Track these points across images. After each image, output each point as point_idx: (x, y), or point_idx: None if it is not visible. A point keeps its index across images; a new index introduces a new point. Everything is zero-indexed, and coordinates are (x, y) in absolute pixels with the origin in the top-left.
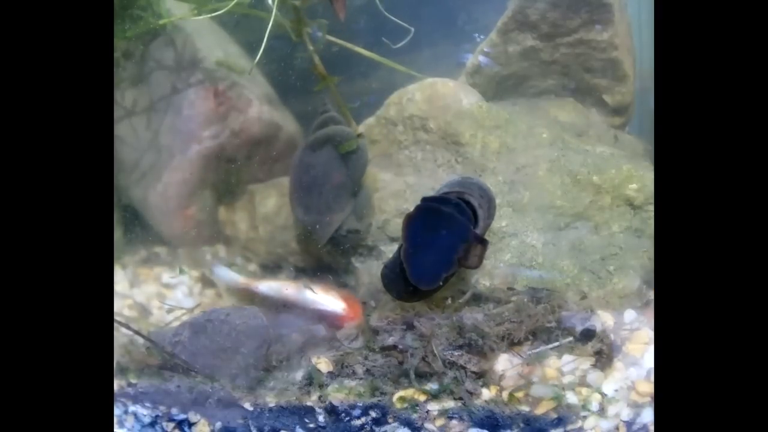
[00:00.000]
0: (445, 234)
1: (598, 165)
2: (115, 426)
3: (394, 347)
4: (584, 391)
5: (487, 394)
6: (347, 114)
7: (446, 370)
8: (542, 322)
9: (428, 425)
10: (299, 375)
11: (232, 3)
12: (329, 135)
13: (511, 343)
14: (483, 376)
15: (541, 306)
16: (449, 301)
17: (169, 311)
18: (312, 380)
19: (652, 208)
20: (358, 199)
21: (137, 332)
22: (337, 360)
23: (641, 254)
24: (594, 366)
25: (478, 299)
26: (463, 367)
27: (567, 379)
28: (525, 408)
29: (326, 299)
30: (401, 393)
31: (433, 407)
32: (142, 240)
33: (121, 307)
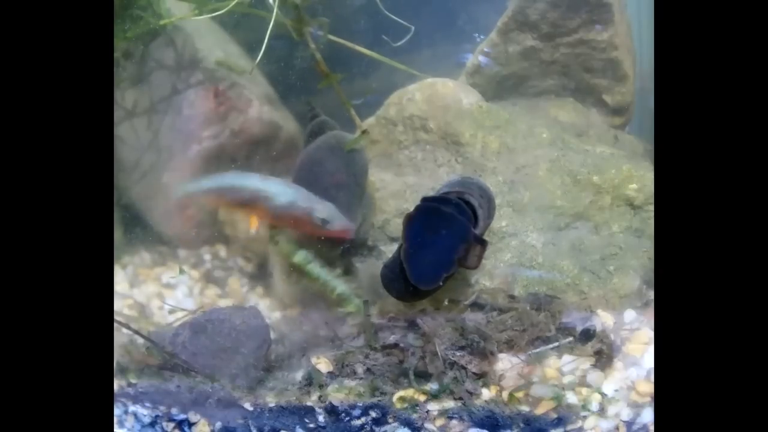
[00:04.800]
0: (445, 234)
1: (598, 165)
2: (115, 426)
3: (396, 345)
4: (584, 391)
5: (487, 394)
6: (351, 111)
7: (446, 370)
8: (544, 332)
9: (428, 425)
10: (299, 375)
11: (233, 3)
12: (332, 143)
13: (512, 348)
14: (483, 377)
15: (542, 315)
16: (446, 303)
17: (171, 312)
18: (312, 380)
19: (652, 208)
20: (364, 203)
21: (137, 332)
22: (337, 360)
23: (641, 254)
24: (594, 366)
25: (479, 307)
26: (464, 368)
27: (567, 379)
28: (525, 408)
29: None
30: (401, 393)
31: (433, 407)
32: (142, 240)
33: (121, 307)
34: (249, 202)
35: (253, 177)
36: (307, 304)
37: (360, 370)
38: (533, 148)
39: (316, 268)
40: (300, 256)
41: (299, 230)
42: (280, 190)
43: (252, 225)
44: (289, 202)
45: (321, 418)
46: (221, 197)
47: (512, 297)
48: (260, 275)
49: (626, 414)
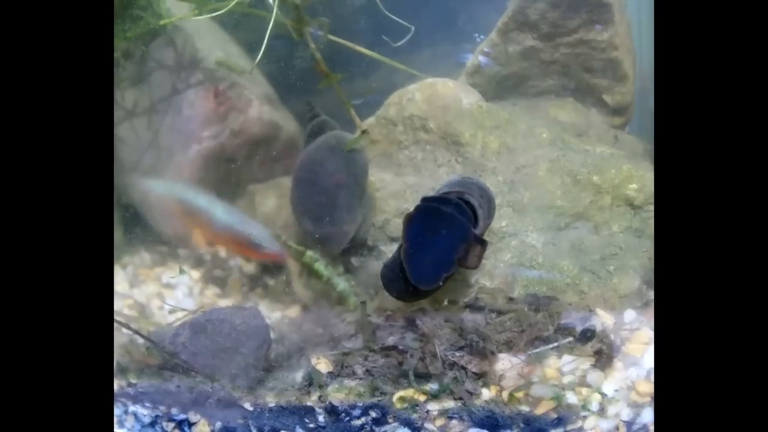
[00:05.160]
0: (445, 234)
1: (598, 165)
2: (115, 426)
3: (394, 348)
4: (584, 391)
5: (487, 394)
6: (351, 111)
7: (445, 370)
8: (542, 332)
9: (428, 425)
10: (299, 375)
11: (233, 3)
12: (332, 143)
13: (511, 348)
14: (483, 377)
15: (540, 314)
16: (446, 303)
17: (171, 312)
18: (312, 380)
19: (652, 208)
20: (364, 203)
21: (137, 332)
22: (337, 360)
23: (641, 254)
24: (594, 366)
25: (478, 309)
26: (464, 368)
27: (567, 379)
28: (525, 408)
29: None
30: (401, 393)
31: (433, 407)
32: (142, 240)
33: (121, 307)
34: (194, 218)
35: (202, 196)
36: (321, 304)
37: (360, 370)
38: (533, 148)
39: (321, 266)
40: (307, 256)
41: (236, 251)
42: (221, 213)
43: (198, 242)
44: (227, 225)
45: (321, 418)
46: (173, 206)
47: (511, 299)
48: (260, 275)
49: (626, 414)
